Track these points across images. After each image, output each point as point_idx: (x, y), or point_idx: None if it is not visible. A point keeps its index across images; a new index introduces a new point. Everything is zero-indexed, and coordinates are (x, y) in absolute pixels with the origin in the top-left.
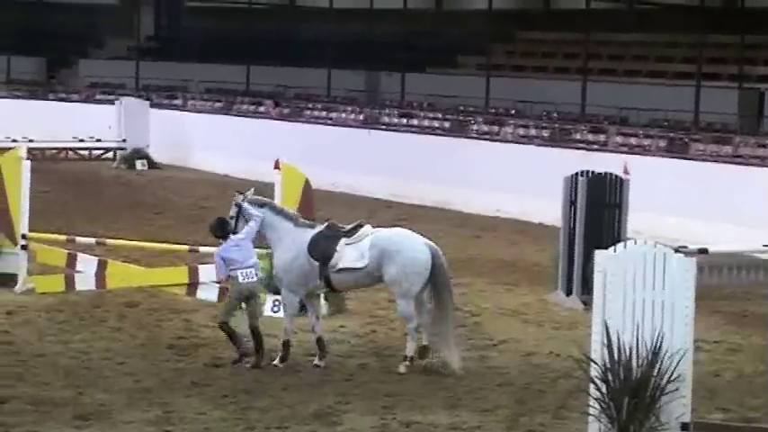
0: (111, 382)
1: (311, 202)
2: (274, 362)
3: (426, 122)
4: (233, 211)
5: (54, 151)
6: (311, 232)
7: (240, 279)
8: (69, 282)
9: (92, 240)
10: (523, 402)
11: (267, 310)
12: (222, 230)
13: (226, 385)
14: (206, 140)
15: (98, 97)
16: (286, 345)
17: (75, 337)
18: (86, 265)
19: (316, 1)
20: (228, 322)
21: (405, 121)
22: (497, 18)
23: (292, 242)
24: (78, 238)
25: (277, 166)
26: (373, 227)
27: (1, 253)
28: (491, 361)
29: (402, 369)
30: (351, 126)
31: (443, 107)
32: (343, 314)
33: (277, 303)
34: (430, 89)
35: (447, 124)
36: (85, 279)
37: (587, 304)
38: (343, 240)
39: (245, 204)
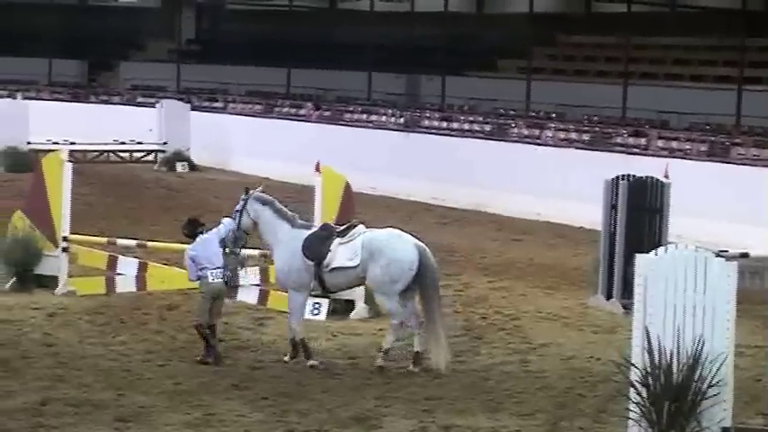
0: (151, 385)
1: (351, 205)
2: (309, 363)
3: (466, 126)
4: (239, 206)
5: (95, 154)
6: (307, 233)
7: (210, 279)
8: (110, 284)
9: (132, 243)
10: (563, 406)
11: (307, 313)
12: (190, 229)
13: (266, 388)
14: (246, 143)
15: (139, 100)
16: (294, 343)
17: (116, 340)
18: (127, 268)
19: (356, 4)
20: (204, 324)
21: (445, 124)
22: (538, 21)
23: (289, 243)
24: (119, 241)
25: (317, 169)
26: (405, 230)
27: (42, 255)
28: (531, 365)
29: (379, 361)
30: (391, 129)
31: (484, 110)
32: (383, 318)
33: (317, 306)
34: (470, 92)
35: (487, 128)
36: (126, 281)
37: (628, 308)
38: (337, 240)
39: (250, 200)
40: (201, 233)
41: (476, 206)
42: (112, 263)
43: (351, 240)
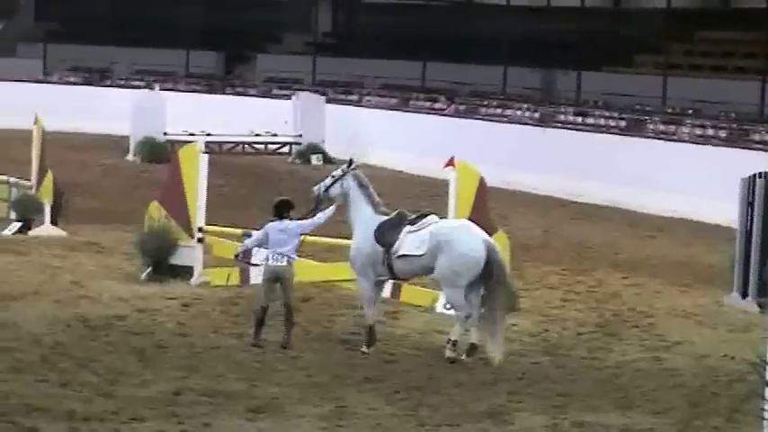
0: (283, 376)
1: (485, 199)
2: (362, 348)
3: (602, 121)
4: (337, 172)
5: (231, 145)
6: (383, 219)
7: (270, 261)
8: (244, 275)
9: None
10: (697, 405)
11: (439, 307)
12: (280, 211)
13: (398, 381)
14: (381, 137)
15: (275, 92)
16: (370, 330)
17: (249, 331)
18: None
19: None
20: (265, 306)
21: (580, 119)
22: (675, 17)
23: (366, 227)
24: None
25: (451, 164)
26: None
27: (177, 246)
28: (665, 363)
29: (448, 353)
30: (526, 124)
31: (619, 106)
32: (515, 313)
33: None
34: (606, 88)
35: (623, 123)
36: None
37: (763, 307)
38: (407, 228)
39: (348, 174)
40: (289, 216)
41: (611, 202)
42: (247, 254)
43: (420, 229)
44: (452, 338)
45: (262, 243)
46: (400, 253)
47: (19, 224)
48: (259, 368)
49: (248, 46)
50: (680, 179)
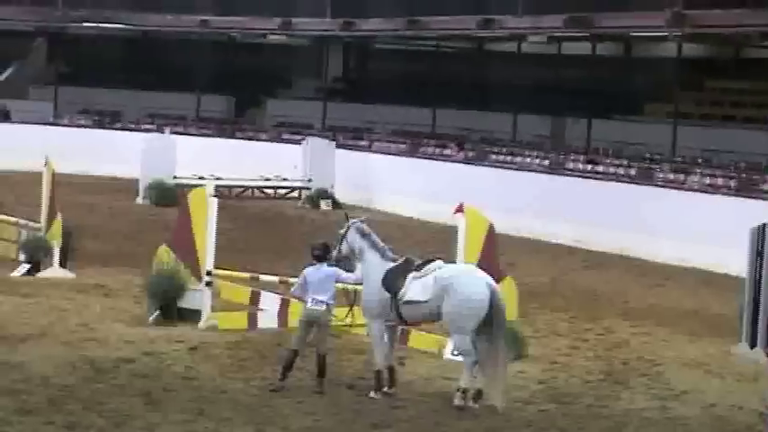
0: (290, 421)
1: (494, 246)
2: (371, 394)
3: (612, 169)
4: (343, 230)
5: (240, 189)
6: (390, 265)
7: (309, 305)
8: (252, 319)
9: (275, 278)
10: None
11: (447, 353)
12: (321, 253)
13: (405, 428)
14: (390, 182)
15: (285, 137)
16: (378, 374)
17: (257, 375)
18: (269, 304)
19: (504, 45)
20: (299, 350)
21: (590, 167)
22: (686, 66)
23: (376, 274)
24: (262, 276)
25: (461, 210)
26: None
27: (186, 289)
28: (672, 411)
29: (456, 401)
30: (536, 171)
31: (629, 154)
32: (523, 359)
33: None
34: (616, 136)
35: (633, 171)
36: (268, 317)
37: None
38: (413, 274)
39: (351, 229)
40: (328, 260)
41: (620, 250)
42: (255, 298)
43: (425, 275)
44: (462, 386)
45: (306, 292)
46: (406, 298)
47: (28, 266)
48: (266, 413)
49: (259, 90)
50: (689, 228)
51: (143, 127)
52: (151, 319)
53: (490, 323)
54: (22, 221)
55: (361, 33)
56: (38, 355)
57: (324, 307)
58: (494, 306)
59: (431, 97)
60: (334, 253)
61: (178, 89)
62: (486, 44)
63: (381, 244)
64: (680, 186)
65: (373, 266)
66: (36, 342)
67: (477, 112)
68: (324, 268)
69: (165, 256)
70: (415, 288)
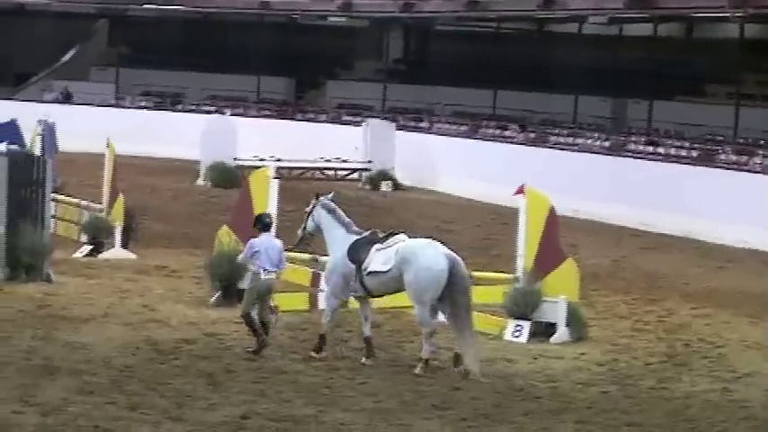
0: (351, 402)
1: (555, 227)
2: (311, 353)
3: (673, 151)
4: (309, 207)
5: (300, 171)
6: (355, 238)
7: (262, 276)
8: (313, 301)
9: None
10: None
11: (508, 335)
12: (257, 223)
13: (465, 409)
14: (450, 164)
15: (345, 118)
16: (321, 337)
17: (317, 356)
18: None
19: (565, 26)
20: (250, 314)
21: (651, 148)
22: (749, 46)
23: (340, 247)
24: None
25: (521, 191)
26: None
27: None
28: (734, 394)
29: (418, 370)
30: (596, 152)
31: (691, 136)
32: (584, 341)
33: (519, 328)
34: (678, 117)
35: (694, 153)
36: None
37: None
38: (376, 246)
39: (317, 206)
40: (268, 230)
41: (681, 232)
42: (316, 280)
43: (388, 247)
44: (423, 357)
45: (258, 263)
46: (369, 269)
47: (90, 247)
48: (327, 393)
49: (319, 72)
50: (751, 210)
51: (204, 109)
52: (212, 300)
53: (451, 291)
54: (84, 203)
55: (422, 15)
56: (100, 336)
57: (275, 276)
58: (455, 274)
59: (491, 79)
60: (299, 231)
61: (238, 71)
62: (547, 25)
63: (347, 219)
64: (742, 168)
65: (338, 240)
66: (98, 323)
67: (537, 94)
68: (273, 239)
69: (225, 237)
70: (379, 259)
